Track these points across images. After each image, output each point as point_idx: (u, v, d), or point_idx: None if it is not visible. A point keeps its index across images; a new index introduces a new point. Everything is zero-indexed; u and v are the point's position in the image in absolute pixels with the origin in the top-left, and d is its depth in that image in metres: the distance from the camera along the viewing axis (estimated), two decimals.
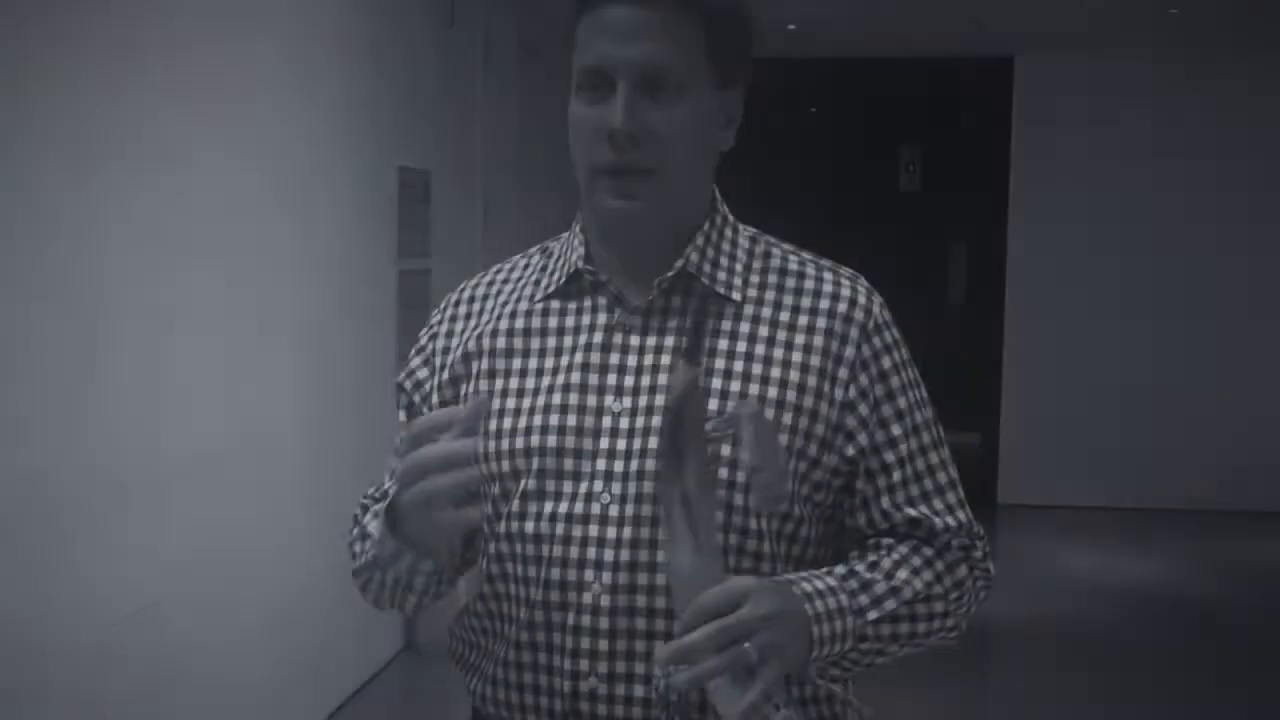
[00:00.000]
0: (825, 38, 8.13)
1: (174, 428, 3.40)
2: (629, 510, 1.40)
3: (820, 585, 1.37)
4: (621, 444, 1.41)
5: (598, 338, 1.46)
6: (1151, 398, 8.25)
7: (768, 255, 1.50)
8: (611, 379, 1.44)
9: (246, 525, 3.81)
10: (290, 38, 4.14)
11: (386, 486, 1.54)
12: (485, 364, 1.50)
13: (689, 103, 1.40)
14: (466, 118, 5.78)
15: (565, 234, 1.55)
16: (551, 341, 1.47)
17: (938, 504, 1.48)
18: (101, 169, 3.05)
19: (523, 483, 1.44)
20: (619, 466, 1.41)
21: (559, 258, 1.52)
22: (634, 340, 1.44)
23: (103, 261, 3.07)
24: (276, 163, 4.04)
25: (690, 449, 1.30)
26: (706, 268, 1.46)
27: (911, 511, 1.47)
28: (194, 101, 3.47)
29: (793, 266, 1.49)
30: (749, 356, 1.43)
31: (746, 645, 1.24)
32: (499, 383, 1.49)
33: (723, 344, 1.44)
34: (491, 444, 1.46)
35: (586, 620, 1.40)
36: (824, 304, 1.46)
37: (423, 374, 1.56)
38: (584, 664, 1.41)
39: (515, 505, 1.44)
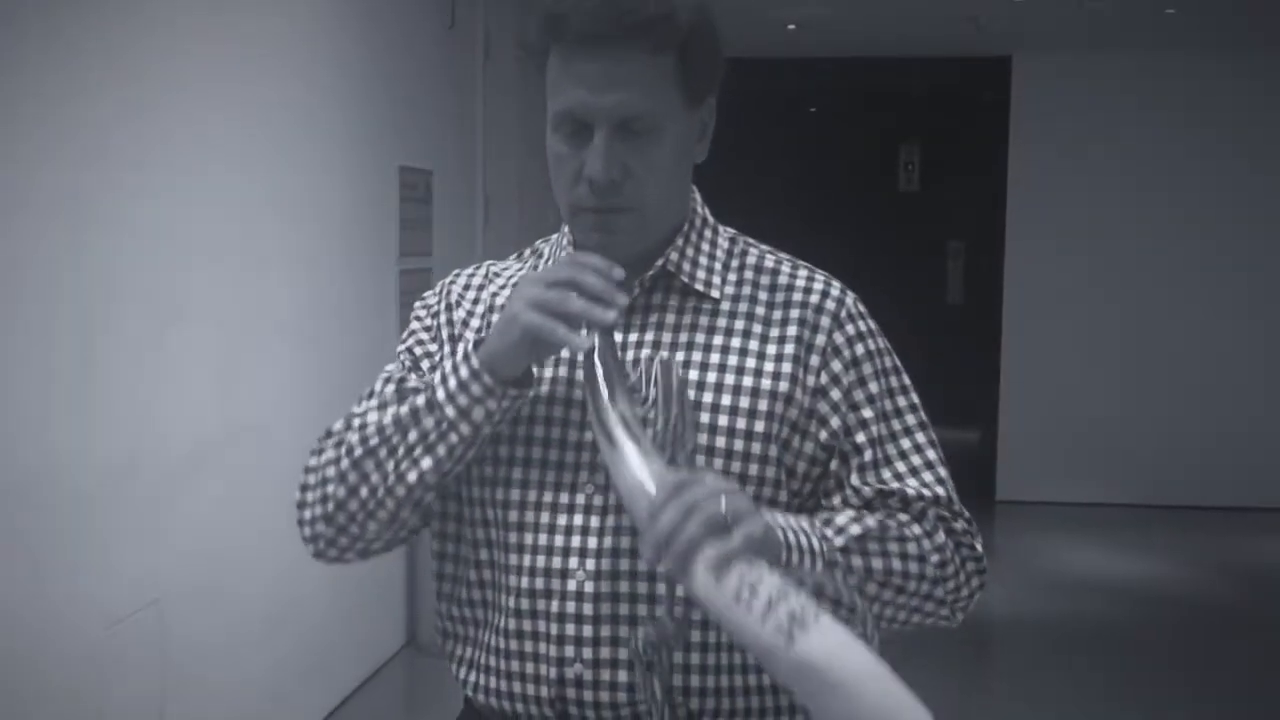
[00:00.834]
0: (824, 37, 8.12)
1: (175, 425, 3.39)
2: (611, 499, 1.42)
3: (780, 515, 1.38)
4: None
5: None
6: (1148, 396, 8.26)
7: (745, 254, 1.54)
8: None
9: (247, 523, 3.81)
10: (291, 38, 4.13)
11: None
12: None
13: (666, 138, 1.42)
14: (467, 118, 5.77)
15: (555, 235, 1.58)
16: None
17: (911, 481, 1.48)
18: (105, 167, 3.05)
19: (508, 472, 1.46)
20: (601, 457, 1.41)
21: (548, 258, 1.56)
22: (616, 337, 1.45)
23: (105, 259, 3.06)
24: (279, 162, 4.03)
25: (618, 384, 1.35)
26: (686, 266, 1.49)
27: (883, 485, 1.47)
28: (197, 102, 3.46)
29: (769, 265, 1.53)
30: (725, 349, 1.46)
31: (721, 505, 1.24)
32: None
33: (700, 338, 1.47)
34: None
35: (571, 607, 1.42)
36: (797, 297, 1.50)
37: (432, 347, 1.56)
38: (569, 650, 1.43)
39: (500, 494, 1.47)
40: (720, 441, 1.43)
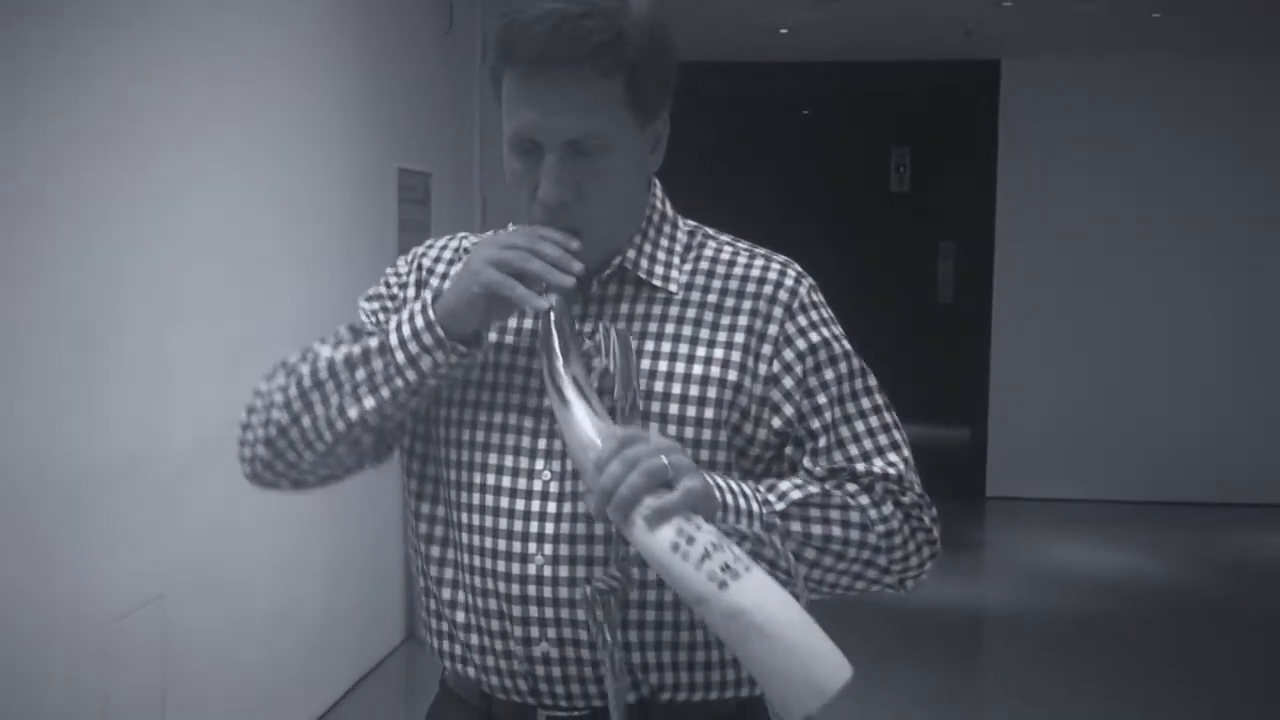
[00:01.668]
0: (816, 41, 8.12)
1: (178, 423, 3.38)
2: (568, 486, 1.45)
3: (721, 477, 1.41)
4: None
5: (540, 324, 1.47)
6: (1136, 394, 8.28)
7: (702, 246, 1.54)
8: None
9: (249, 520, 3.80)
10: (292, 42, 4.13)
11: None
12: None
13: (617, 156, 1.43)
14: (465, 121, 5.77)
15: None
16: (498, 324, 1.51)
17: (863, 464, 1.49)
18: (107, 169, 3.04)
19: (470, 456, 1.49)
20: (558, 445, 1.45)
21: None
22: (584, 333, 1.47)
23: (108, 260, 3.06)
24: (279, 164, 4.03)
25: (572, 344, 1.39)
26: (644, 263, 1.50)
27: (834, 465, 1.48)
28: (198, 105, 3.46)
29: (725, 256, 1.53)
30: (676, 338, 1.47)
31: (663, 460, 1.29)
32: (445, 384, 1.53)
33: (653, 328, 1.48)
34: (442, 413, 1.52)
35: (533, 590, 1.45)
36: (751, 288, 1.50)
37: (389, 305, 1.59)
38: (535, 631, 1.46)
39: (464, 477, 1.49)
40: (671, 429, 1.44)
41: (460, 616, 1.51)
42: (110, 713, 3.11)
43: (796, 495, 1.43)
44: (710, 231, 1.57)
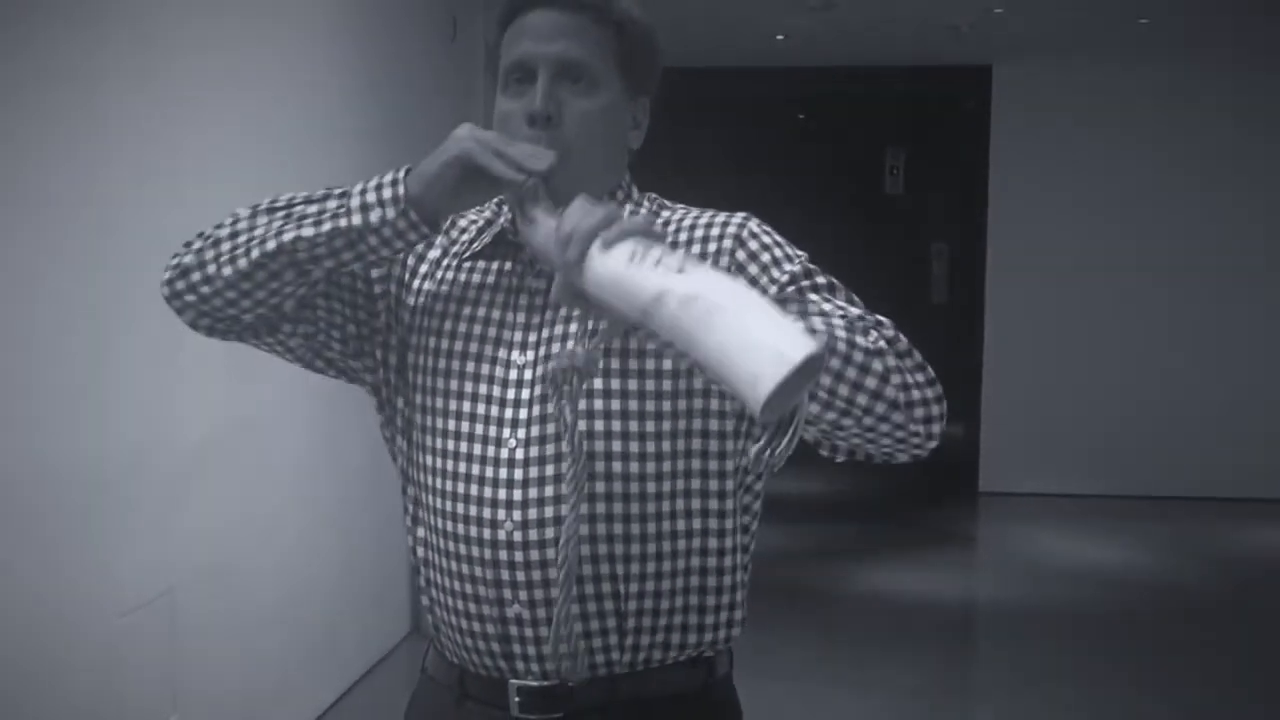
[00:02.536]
0: (812, 47, 8.12)
1: (187, 421, 3.39)
2: (534, 452, 1.48)
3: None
4: (525, 393, 1.49)
5: (508, 297, 1.54)
6: (1125, 390, 8.29)
7: (659, 213, 1.58)
8: (518, 335, 1.51)
9: (256, 515, 3.80)
10: (302, 51, 4.13)
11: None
12: (408, 316, 1.58)
13: (602, 96, 1.49)
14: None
15: None
16: (471, 294, 1.55)
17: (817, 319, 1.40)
18: (121, 174, 3.04)
19: (440, 422, 1.53)
20: (523, 414, 1.48)
21: (489, 225, 1.60)
22: (538, 300, 1.51)
23: (121, 263, 3.05)
24: (288, 169, 4.02)
25: (544, 200, 1.40)
26: None
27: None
28: (211, 112, 3.46)
29: (685, 221, 1.55)
30: None
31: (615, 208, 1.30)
32: (417, 338, 1.57)
33: None
34: (415, 397, 1.55)
35: (504, 555, 1.48)
36: (705, 237, 1.53)
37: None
38: (506, 593, 1.49)
39: (436, 442, 1.53)
40: (649, 384, 1.47)
41: (438, 585, 1.55)
42: (122, 704, 3.11)
43: (773, 290, 1.44)
44: (667, 203, 1.61)
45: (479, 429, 1.50)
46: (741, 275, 1.47)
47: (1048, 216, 8.33)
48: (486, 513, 1.48)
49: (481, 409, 1.50)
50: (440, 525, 1.52)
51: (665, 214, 1.58)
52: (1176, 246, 8.22)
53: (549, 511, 1.46)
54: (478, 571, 1.49)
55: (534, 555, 1.47)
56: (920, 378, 1.41)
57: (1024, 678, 5.04)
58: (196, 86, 3.41)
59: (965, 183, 8.74)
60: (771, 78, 9.07)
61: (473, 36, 5.74)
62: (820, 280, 1.48)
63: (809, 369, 1.17)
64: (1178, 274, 8.23)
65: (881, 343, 1.36)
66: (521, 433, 1.48)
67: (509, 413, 1.49)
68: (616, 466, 1.46)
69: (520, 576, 1.47)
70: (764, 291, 1.45)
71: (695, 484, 1.49)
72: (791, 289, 1.45)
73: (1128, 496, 8.23)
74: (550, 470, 1.46)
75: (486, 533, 1.48)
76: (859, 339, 1.34)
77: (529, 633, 1.48)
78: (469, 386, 1.51)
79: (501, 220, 1.57)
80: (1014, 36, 7.67)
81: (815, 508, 8.12)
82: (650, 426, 1.47)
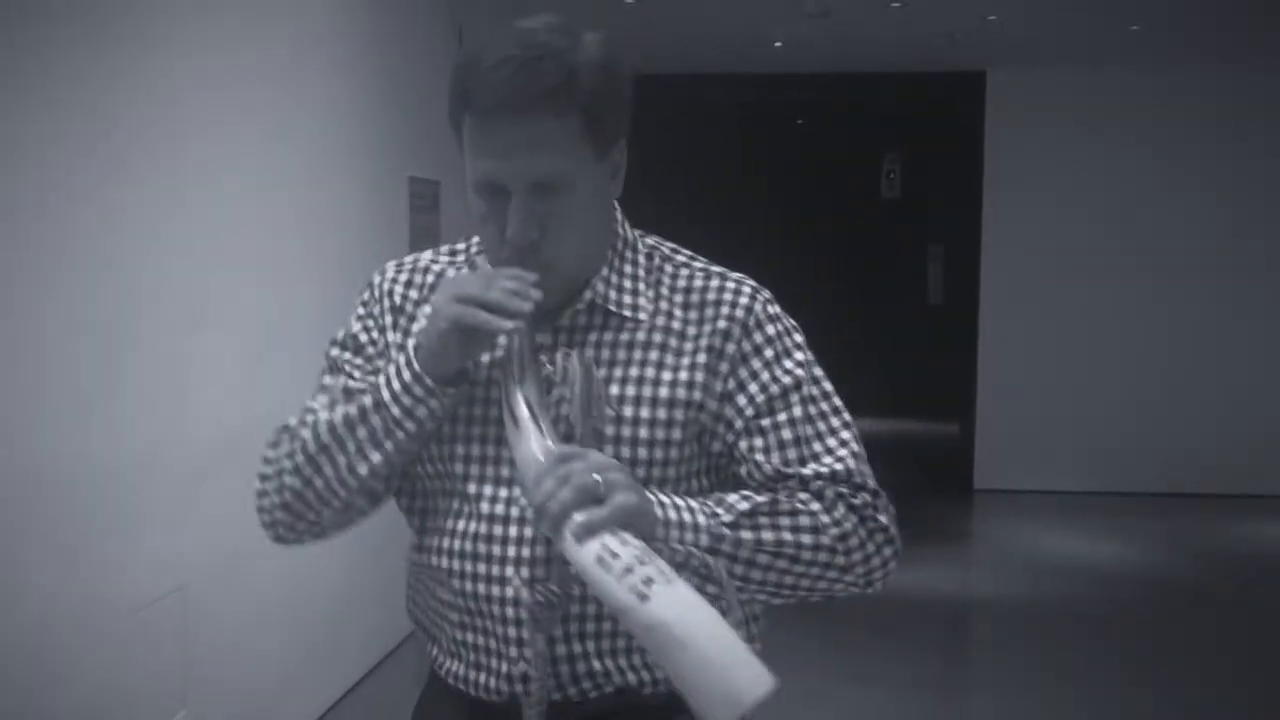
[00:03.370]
0: (810, 54, 8.12)
1: (200, 421, 3.38)
2: None
3: (666, 494, 1.41)
4: None
5: (503, 351, 1.47)
6: (1118, 389, 8.29)
7: (661, 270, 1.52)
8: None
9: None
10: (311, 58, 4.12)
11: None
12: None
13: (579, 192, 1.41)
14: None
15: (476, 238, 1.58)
16: (473, 361, 1.48)
17: (813, 465, 1.46)
18: (134, 179, 3.04)
19: (447, 485, 1.50)
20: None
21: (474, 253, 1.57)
22: (543, 356, 1.46)
23: (134, 264, 3.05)
24: (297, 173, 4.02)
25: (529, 370, 1.41)
26: (612, 295, 1.49)
27: (784, 469, 1.46)
28: (222, 118, 3.46)
29: (683, 278, 1.51)
30: (644, 363, 1.47)
31: (595, 477, 1.29)
32: None
33: (621, 355, 1.47)
34: (424, 450, 1.51)
35: (510, 612, 1.45)
36: (709, 312, 1.48)
37: (371, 351, 1.56)
38: (513, 651, 1.46)
39: (441, 504, 1.51)
40: (643, 452, 1.45)
41: (441, 631, 1.54)
42: (134, 698, 3.11)
43: (744, 506, 1.41)
44: (666, 251, 1.54)
45: (487, 489, 1.47)
46: (743, 368, 1.46)
47: (1041, 218, 8.34)
48: (495, 570, 1.46)
49: (491, 470, 1.47)
50: (450, 582, 1.50)
51: (668, 267, 1.52)
52: (1168, 247, 8.23)
53: (556, 572, 1.43)
54: (487, 625, 1.47)
55: (540, 615, 1.43)
56: (887, 551, 1.48)
57: (1020, 672, 5.04)
58: (202, 92, 3.40)
59: (961, 186, 8.73)
60: (770, 84, 9.07)
61: None
62: (813, 391, 1.48)
63: (762, 702, 1.23)
64: (1170, 274, 8.24)
65: (851, 520, 1.44)
66: None
67: (517, 471, 1.44)
68: None
69: (526, 634, 1.44)
70: (754, 398, 1.46)
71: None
72: (780, 401, 1.46)
73: (1121, 493, 8.23)
74: None
75: (495, 589, 1.46)
76: (824, 539, 1.42)
77: (535, 688, 1.45)
78: (476, 449, 1.48)
79: None
80: (1007, 43, 7.66)
81: None
82: (653, 472, 1.46)
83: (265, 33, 3.79)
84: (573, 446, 1.35)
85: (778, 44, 7.71)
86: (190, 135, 3.33)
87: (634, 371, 1.46)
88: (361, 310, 1.57)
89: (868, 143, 10.37)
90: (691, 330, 1.48)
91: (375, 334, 1.55)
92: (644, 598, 1.24)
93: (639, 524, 1.30)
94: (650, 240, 1.55)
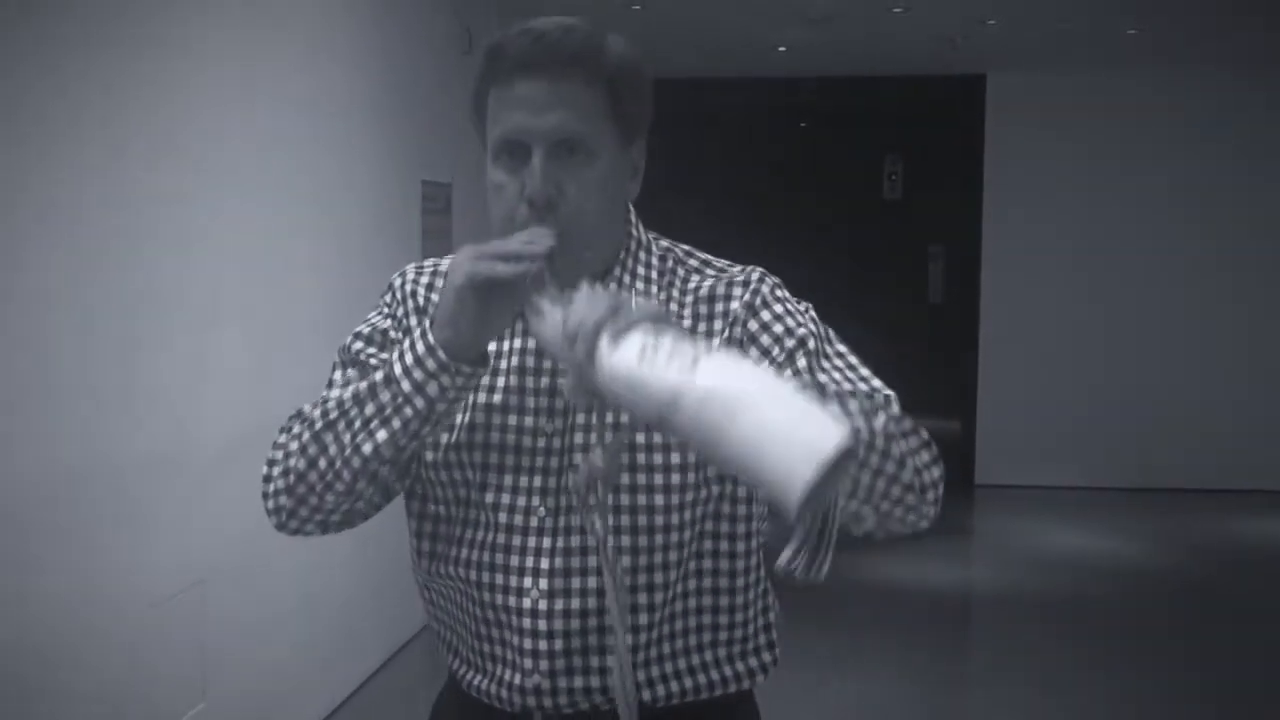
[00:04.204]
0: (813, 58, 8.11)
1: (215, 420, 3.38)
2: (561, 521, 1.41)
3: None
4: (554, 461, 1.42)
5: (530, 361, 1.44)
6: (1115, 386, 8.28)
7: (674, 272, 1.48)
8: (544, 400, 1.43)
9: None
10: (325, 63, 4.12)
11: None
12: None
13: (600, 164, 1.38)
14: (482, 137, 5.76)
15: None
16: (490, 363, 1.43)
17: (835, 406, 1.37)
18: (147, 181, 3.04)
19: (463, 493, 1.45)
20: (552, 482, 1.41)
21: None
22: (561, 364, 1.40)
23: (149, 265, 3.06)
24: (312, 176, 4.03)
25: (557, 291, 1.28)
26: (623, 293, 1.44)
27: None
28: (238, 121, 3.46)
29: (693, 283, 1.47)
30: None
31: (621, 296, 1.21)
32: None
33: None
34: (432, 457, 1.46)
35: (528, 624, 1.42)
36: (719, 307, 1.45)
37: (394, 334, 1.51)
38: (528, 662, 1.42)
39: (459, 512, 1.46)
40: (658, 457, 1.41)
41: (457, 640, 1.50)
42: (153, 691, 3.11)
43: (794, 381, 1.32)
44: (680, 254, 1.50)
45: (505, 498, 1.42)
46: (754, 346, 1.41)
47: (1040, 219, 8.34)
48: (514, 580, 1.42)
49: (509, 479, 1.43)
50: (465, 592, 1.46)
51: (680, 270, 1.48)
52: (1166, 245, 8.22)
53: (576, 582, 1.41)
54: (505, 635, 1.44)
55: (558, 625, 1.41)
56: (926, 457, 1.37)
57: (1021, 663, 5.03)
58: (217, 96, 3.40)
59: (961, 187, 8.72)
60: (774, 88, 9.06)
61: None
62: (829, 348, 1.42)
63: (841, 458, 1.07)
64: (1166, 273, 8.24)
65: (893, 425, 1.30)
66: (551, 501, 1.41)
67: (537, 480, 1.42)
68: (625, 540, 1.40)
69: (543, 646, 1.41)
70: (775, 363, 1.40)
71: (709, 545, 1.44)
72: (802, 359, 1.39)
73: (1119, 489, 8.22)
74: (577, 541, 1.40)
75: (513, 600, 1.42)
76: (877, 424, 1.26)
77: (548, 702, 1.43)
78: (494, 457, 1.43)
79: None
80: (1007, 47, 7.65)
81: None
82: (672, 498, 1.41)
83: (278, 37, 3.79)
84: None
85: (781, 49, 7.70)
86: (205, 139, 3.33)
87: None
88: (385, 309, 1.53)
89: (870, 145, 10.34)
90: (702, 327, 1.44)
91: (398, 332, 1.50)
92: (694, 369, 1.10)
93: (668, 323, 1.20)
94: (665, 243, 1.51)
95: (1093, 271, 8.28)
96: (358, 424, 1.37)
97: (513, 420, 1.43)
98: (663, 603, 1.43)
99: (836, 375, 1.38)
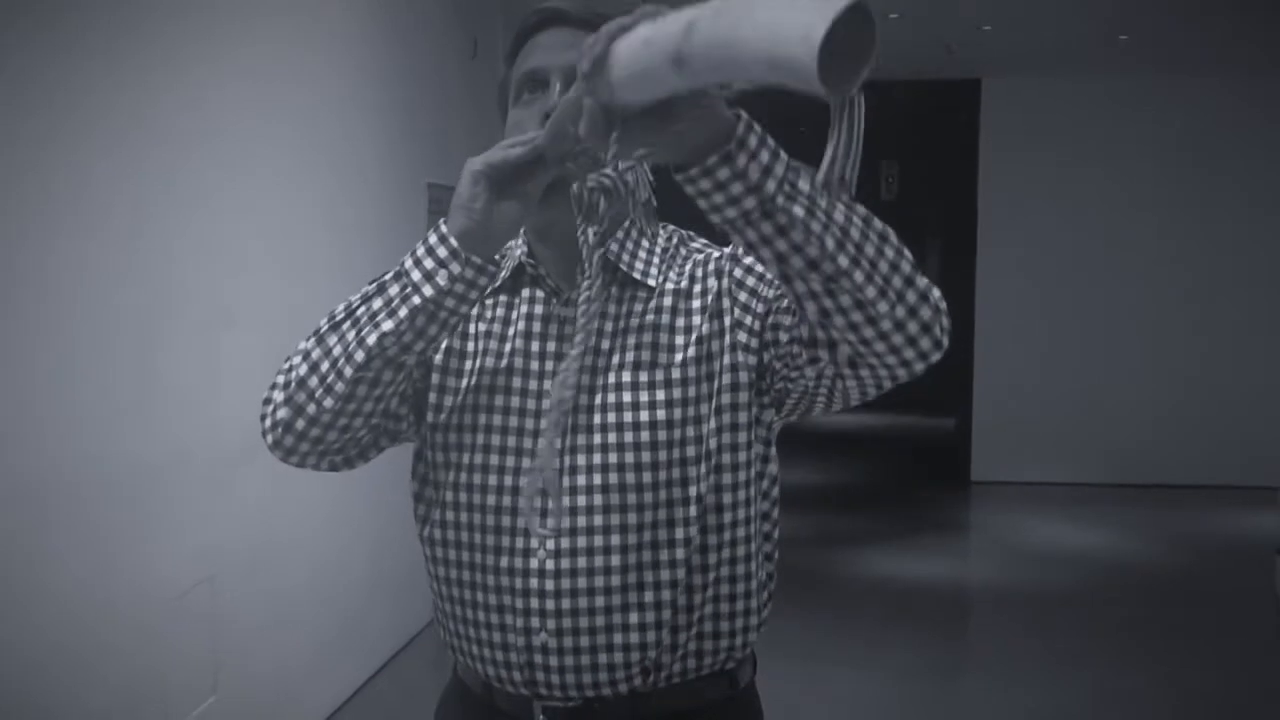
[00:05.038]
0: None
1: (227, 419, 3.38)
2: (566, 482, 1.40)
3: None
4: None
5: (536, 326, 1.45)
6: (1107, 385, 8.29)
7: (679, 248, 1.49)
8: (549, 364, 1.44)
9: (292, 508, 3.80)
10: (334, 67, 4.12)
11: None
12: (438, 356, 1.49)
13: None
14: (488, 139, 5.75)
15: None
16: (497, 329, 1.47)
17: None
18: (170, 188, 3.04)
19: (468, 458, 1.44)
20: (558, 443, 1.40)
21: (505, 256, 1.51)
22: (567, 329, 1.44)
23: (165, 269, 3.06)
24: (322, 179, 4.02)
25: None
26: (625, 257, 1.45)
27: None
28: (249, 126, 3.46)
29: (697, 256, 1.47)
30: (656, 328, 1.43)
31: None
32: (453, 363, 1.48)
33: (634, 321, 1.43)
34: (441, 419, 1.46)
35: (535, 583, 1.41)
36: (711, 266, 1.45)
37: None
38: (535, 621, 1.41)
39: (463, 477, 1.44)
40: (676, 413, 1.40)
41: (463, 608, 1.47)
42: (165, 684, 3.11)
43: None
44: (689, 235, 1.52)
45: (510, 460, 1.42)
46: (743, 290, 1.41)
47: (1034, 220, 8.34)
48: (519, 542, 1.41)
49: (512, 440, 1.43)
50: (469, 557, 1.45)
51: (683, 250, 1.49)
52: (1155, 248, 8.24)
53: (582, 541, 1.39)
54: (506, 600, 1.42)
55: (565, 584, 1.40)
56: (943, 317, 1.30)
57: (1015, 656, 5.03)
58: (229, 103, 3.40)
59: (956, 190, 8.72)
60: (773, 93, 9.04)
61: (492, 55, 5.73)
62: None
63: (859, 26, 1.03)
64: (1157, 275, 8.25)
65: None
66: (556, 460, 1.39)
67: (541, 442, 1.40)
68: (631, 498, 1.39)
69: (550, 605, 1.40)
70: (763, 294, 1.40)
71: (712, 499, 1.42)
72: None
73: (1111, 485, 8.23)
74: (583, 500, 1.39)
75: (519, 561, 1.41)
76: (891, 239, 1.26)
77: (554, 661, 1.41)
78: (498, 419, 1.43)
79: (518, 252, 1.49)
80: (1001, 53, 7.65)
81: (816, 498, 8.11)
82: (672, 454, 1.39)
83: (288, 44, 3.79)
84: None
85: None
86: (221, 147, 3.33)
87: (648, 338, 1.42)
88: None
89: (867, 149, 10.31)
90: (697, 288, 1.44)
91: None
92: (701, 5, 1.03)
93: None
94: (672, 227, 1.52)
95: (1085, 273, 8.29)
96: (364, 318, 1.34)
97: (517, 383, 1.44)
98: (656, 563, 1.41)
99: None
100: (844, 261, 1.20)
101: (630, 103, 1.12)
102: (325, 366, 1.37)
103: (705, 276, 1.45)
